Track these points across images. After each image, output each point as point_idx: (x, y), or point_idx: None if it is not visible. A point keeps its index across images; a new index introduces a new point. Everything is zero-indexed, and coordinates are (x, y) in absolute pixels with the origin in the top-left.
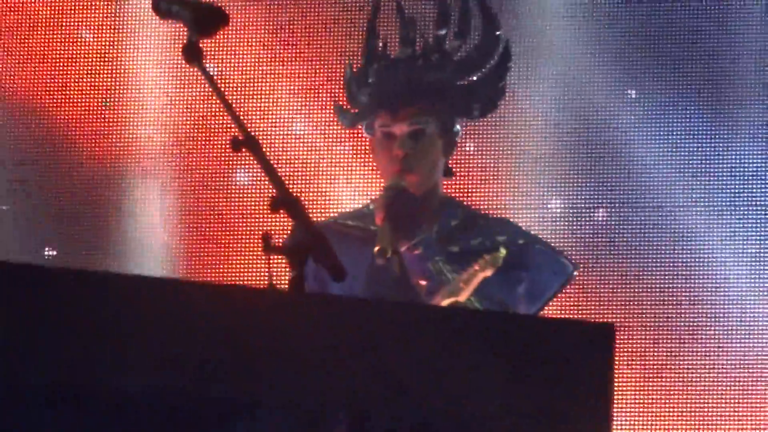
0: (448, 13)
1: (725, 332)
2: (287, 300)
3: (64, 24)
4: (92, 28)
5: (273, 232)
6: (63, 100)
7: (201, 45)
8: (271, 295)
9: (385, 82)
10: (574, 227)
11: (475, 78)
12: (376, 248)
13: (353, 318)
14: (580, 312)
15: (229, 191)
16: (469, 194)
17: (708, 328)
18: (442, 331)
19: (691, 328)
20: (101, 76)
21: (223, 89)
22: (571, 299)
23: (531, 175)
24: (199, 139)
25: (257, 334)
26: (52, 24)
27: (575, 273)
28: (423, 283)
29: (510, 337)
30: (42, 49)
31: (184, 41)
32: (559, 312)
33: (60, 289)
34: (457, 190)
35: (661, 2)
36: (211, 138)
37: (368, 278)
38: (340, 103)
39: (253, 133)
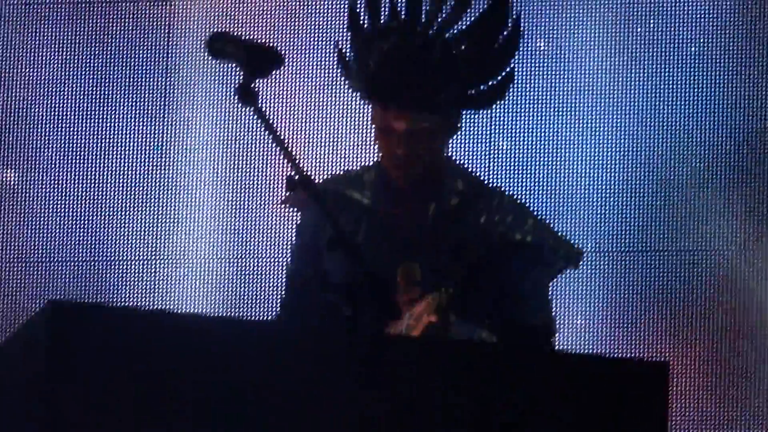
0: None
1: None
2: None
3: (114, 64)
4: (143, 67)
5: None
6: (114, 139)
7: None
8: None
9: (379, 70)
10: (620, 264)
11: (477, 61)
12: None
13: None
14: (633, 350)
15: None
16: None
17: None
18: (494, 371)
19: (748, 367)
20: (151, 120)
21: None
22: (625, 336)
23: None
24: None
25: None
26: (98, 67)
27: (573, 263)
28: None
29: (561, 377)
30: (89, 89)
31: (238, 82)
32: (611, 350)
33: None
34: None
35: None
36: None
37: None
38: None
39: (307, 172)
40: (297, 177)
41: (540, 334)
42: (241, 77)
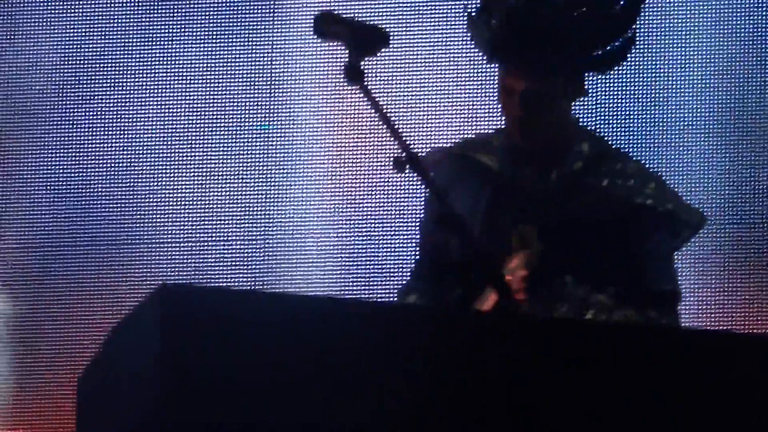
0: None
1: None
2: None
3: (216, 43)
4: (249, 47)
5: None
6: (217, 119)
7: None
8: None
9: (501, 30)
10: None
11: (598, 24)
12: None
13: None
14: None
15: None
16: None
17: None
18: (621, 350)
19: None
20: (256, 96)
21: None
22: (755, 308)
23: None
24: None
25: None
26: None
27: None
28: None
29: (687, 355)
30: (193, 73)
31: (345, 62)
32: (742, 326)
33: None
34: None
35: None
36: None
37: (486, 219)
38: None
39: (415, 152)
40: (405, 156)
41: (665, 300)
42: (347, 57)
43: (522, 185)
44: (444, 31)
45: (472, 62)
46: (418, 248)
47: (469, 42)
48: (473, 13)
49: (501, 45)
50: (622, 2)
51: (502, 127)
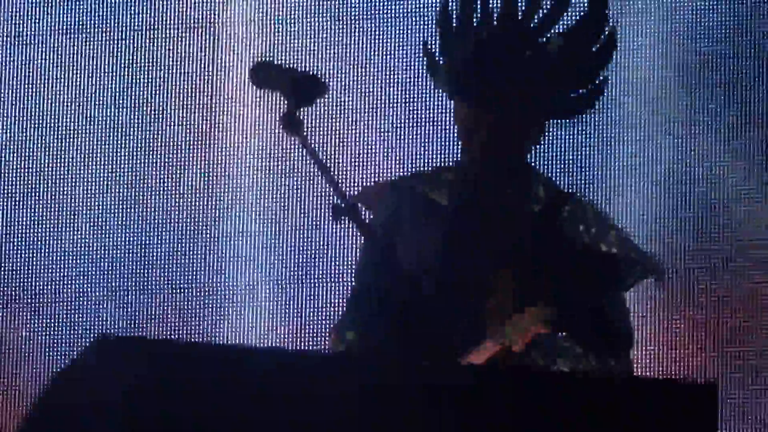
0: None
1: None
2: None
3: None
4: (186, 96)
5: None
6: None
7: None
8: None
9: (469, 67)
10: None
11: (569, 66)
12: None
13: None
14: (679, 369)
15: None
16: None
17: None
18: (528, 395)
19: None
20: (195, 149)
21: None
22: (670, 354)
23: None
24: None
25: None
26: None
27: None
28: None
29: (602, 400)
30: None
31: (283, 111)
32: (656, 370)
33: None
34: None
35: None
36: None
37: (444, 259)
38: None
39: (351, 201)
40: (343, 204)
41: (622, 347)
42: (285, 106)
43: (479, 227)
44: (388, 69)
45: (416, 97)
46: (353, 285)
47: (417, 79)
48: (433, 49)
49: (468, 84)
50: (594, 48)
51: (453, 162)
